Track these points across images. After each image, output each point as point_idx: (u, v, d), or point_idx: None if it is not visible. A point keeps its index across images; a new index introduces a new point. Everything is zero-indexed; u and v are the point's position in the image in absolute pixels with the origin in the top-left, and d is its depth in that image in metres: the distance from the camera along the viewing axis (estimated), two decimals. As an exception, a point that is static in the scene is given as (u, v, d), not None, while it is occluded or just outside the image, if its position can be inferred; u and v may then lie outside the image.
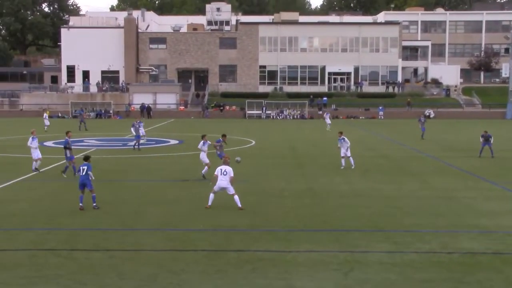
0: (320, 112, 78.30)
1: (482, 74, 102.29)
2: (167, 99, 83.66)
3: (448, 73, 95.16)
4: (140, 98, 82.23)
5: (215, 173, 20.04)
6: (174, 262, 14.14)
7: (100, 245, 15.55)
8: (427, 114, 76.71)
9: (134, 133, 40.08)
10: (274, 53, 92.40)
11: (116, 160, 34.02)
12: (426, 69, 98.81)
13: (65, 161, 27.91)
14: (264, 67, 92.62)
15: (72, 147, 28.25)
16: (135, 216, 19.10)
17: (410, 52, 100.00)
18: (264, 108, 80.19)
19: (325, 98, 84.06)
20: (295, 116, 79.91)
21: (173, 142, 45.05)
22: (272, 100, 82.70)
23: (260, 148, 40.57)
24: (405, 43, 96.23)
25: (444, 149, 40.21)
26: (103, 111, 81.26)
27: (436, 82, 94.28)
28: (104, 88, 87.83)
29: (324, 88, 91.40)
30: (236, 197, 19.78)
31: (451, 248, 15.35)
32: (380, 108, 79.41)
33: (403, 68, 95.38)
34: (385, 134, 53.14)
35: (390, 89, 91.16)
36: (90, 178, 20.00)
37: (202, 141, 26.56)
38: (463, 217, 19.19)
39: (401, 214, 19.62)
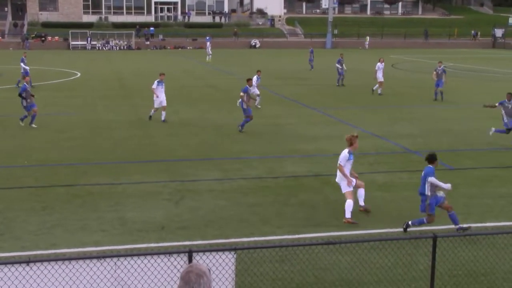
0: (148, 43, 76.86)
1: (304, 4, 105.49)
2: (-19, 29, 77.66)
3: (272, 3, 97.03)
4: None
5: None
6: (-3, 200, 13.51)
7: None
8: (253, 43, 78.24)
9: None
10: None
11: None
12: (251, 0, 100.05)
13: None
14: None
15: None
16: (-50, 155, 17.88)
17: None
18: (89, 39, 77.10)
19: (152, 28, 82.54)
20: (122, 47, 77.84)
21: (-10, 75, 42.18)
22: (97, 31, 79.70)
23: (86, 80, 39.24)
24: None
25: (270, 78, 41.39)
26: None
27: (261, 13, 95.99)
28: None
29: (150, 18, 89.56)
30: None
31: (276, 173, 16.09)
32: (208, 38, 79.37)
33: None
34: (212, 64, 53.56)
35: (217, 19, 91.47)
36: None
37: None
38: (287, 142, 20.10)
39: (229, 142, 20.14)
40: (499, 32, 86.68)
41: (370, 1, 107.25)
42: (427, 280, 8.65)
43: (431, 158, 11.51)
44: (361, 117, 25.28)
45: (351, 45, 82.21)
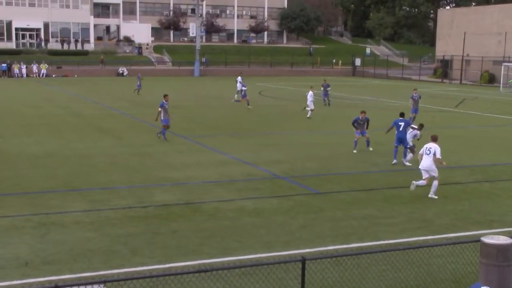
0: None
1: (171, 32, 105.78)
2: None
3: (140, 31, 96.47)
4: None
5: None
6: None
7: None
8: (121, 71, 77.27)
9: None
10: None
11: None
12: (118, 27, 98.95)
13: None
14: None
15: None
16: None
17: (102, 9, 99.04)
18: None
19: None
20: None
21: None
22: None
23: None
24: (96, 0, 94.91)
25: (137, 106, 40.95)
26: None
27: (128, 40, 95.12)
28: None
29: (11, 45, 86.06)
30: None
31: (146, 202, 15.85)
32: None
33: (95, 25, 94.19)
34: (78, 92, 52.21)
35: (80, 47, 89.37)
36: None
37: None
38: (157, 171, 19.90)
39: (96, 172, 19.62)
40: (358, 61, 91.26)
41: (237, 30, 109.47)
42: (297, 303, 8.81)
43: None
44: (230, 144, 25.56)
45: (220, 73, 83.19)
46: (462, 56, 76.27)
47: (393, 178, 19.42)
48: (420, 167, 16.76)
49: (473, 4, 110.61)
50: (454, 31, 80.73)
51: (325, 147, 25.34)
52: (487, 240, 8.48)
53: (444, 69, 79.87)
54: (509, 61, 68.08)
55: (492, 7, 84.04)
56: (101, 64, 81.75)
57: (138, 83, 50.95)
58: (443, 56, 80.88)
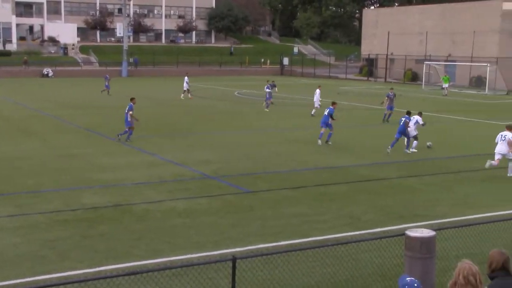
0: None
1: (98, 33, 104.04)
2: None
3: (65, 31, 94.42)
4: None
5: None
6: None
7: None
8: (46, 72, 75.49)
9: None
10: None
11: None
12: (42, 27, 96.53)
13: None
14: None
15: None
16: None
17: (25, 9, 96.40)
18: None
19: None
20: None
21: None
22: None
23: None
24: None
25: (63, 107, 40.12)
26: None
27: (53, 40, 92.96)
28: None
29: None
30: None
31: (74, 205, 15.57)
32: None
33: (17, 25, 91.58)
34: (0, 94, 50.69)
35: (1, 47, 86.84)
36: None
37: None
38: (85, 173, 19.57)
39: (22, 175, 19.14)
40: (286, 60, 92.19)
41: (165, 30, 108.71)
42: (229, 301, 8.88)
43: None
44: (160, 145, 25.40)
45: (149, 74, 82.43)
46: (387, 55, 78.21)
47: (323, 176, 19.76)
48: (495, 151, 19.94)
49: (396, 4, 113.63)
50: (378, 31, 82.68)
51: (255, 146, 25.52)
52: (411, 233, 8.76)
53: (369, 68, 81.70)
54: (430, 60, 70.29)
55: (413, 8, 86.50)
56: (25, 65, 79.52)
57: (107, 84, 50.60)
58: (369, 55, 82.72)
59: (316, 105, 37.00)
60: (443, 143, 26.75)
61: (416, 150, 24.12)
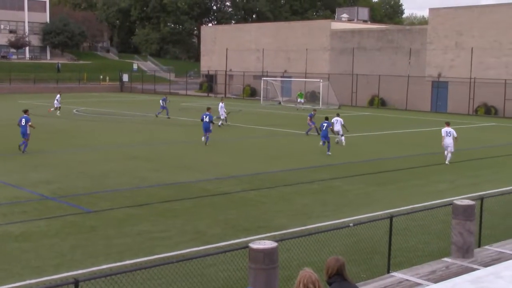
0: None
1: None
2: None
3: None
4: None
5: None
6: None
7: None
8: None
9: None
10: None
11: None
12: None
13: None
14: None
15: None
16: None
17: None
18: None
19: None
20: None
21: None
22: None
23: None
24: None
25: None
26: None
27: None
28: None
29: None
30: None
31: None
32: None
33: None
34: None
35: None
36: None
37: None
38: None
39: None
40: (125, 77, 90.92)
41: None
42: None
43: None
44: (-8, 166, 23.95)
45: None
46: (226, 71, 79.68)
47: (165, 192, 19.67)
48: (444, 144, 25.44)
49: (233, 22, 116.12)
50: (217, 47, 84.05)
51: (95, 164, 24.85)
52: (254, 245, 8.96)
53: (209, 84, 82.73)
54: (267, 76, 72.60)
55: (250, 26, 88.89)
56: None
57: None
58: (208, 71, 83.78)
59: (222, 117, 39.34)
60: (282, 156, 27.68)
61: (344, 145, 30.54)
